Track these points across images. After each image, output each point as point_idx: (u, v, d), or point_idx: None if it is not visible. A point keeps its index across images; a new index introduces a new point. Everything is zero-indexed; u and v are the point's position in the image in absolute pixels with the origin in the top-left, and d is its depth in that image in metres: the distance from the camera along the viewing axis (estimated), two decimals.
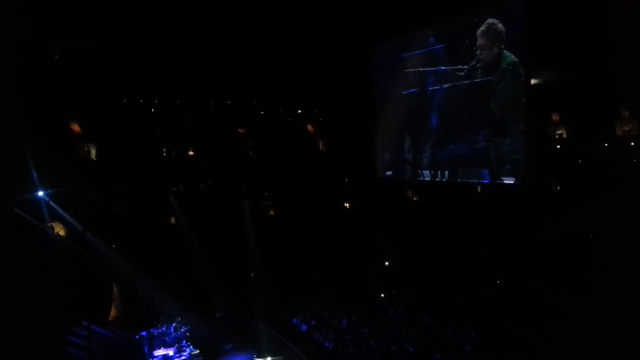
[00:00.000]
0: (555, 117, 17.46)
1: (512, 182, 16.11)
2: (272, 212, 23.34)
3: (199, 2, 17.12)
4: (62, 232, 18.08)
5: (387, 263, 22.06)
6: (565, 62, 15.87)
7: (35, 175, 16.25)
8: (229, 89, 22.16)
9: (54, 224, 17.79)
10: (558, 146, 17.58)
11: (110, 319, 18.37)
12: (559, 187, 17.39)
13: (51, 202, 17.10)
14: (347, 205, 23.99)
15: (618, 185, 15.03)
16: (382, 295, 20.17)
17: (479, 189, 18.65)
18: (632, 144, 16.05)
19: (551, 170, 17.11)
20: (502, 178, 16.38)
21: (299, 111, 24.57)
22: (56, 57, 18.13)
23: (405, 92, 20.36)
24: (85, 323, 15.54)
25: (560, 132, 17.55)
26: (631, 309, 13.28)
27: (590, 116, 16.05)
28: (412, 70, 19.88)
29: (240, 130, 23.31)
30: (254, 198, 22.60)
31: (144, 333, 16.69)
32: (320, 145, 24.54)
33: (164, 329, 16.94)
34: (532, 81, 15.94)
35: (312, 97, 23.46)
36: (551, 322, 14.79)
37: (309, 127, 24.52)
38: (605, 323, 13.58)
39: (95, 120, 18.83)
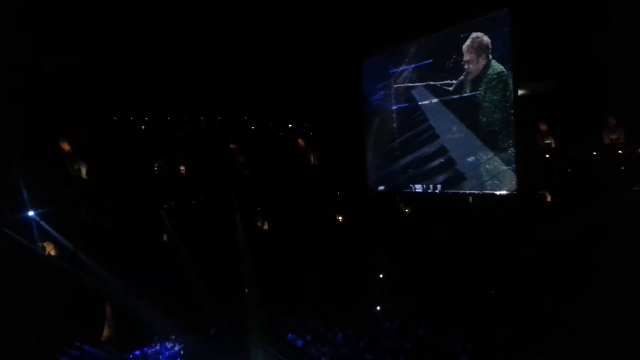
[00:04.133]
0: (544, 127, 17.66)
1: (503, 192, 16.28)
2: (265, 227, 23.28)
3: (187, 18, 17.25)
4: (53, 252, 17.89)
5: (381, 275, 22.03)
6: (552, 72, 16.09)
7: (25, 194, 16.13)
8: (219, 105, 22.23)
9: (44, 244, 17.62)
10: (547, 156, 17.76)
11: (103, 338, 18.13)
12: (549, 197, 17.54)
13: (42, 222, 16.95)
14: (340, 218, 24.00)
15: (607, 193, 15.24)
16: (377, 308, 20.10)
17: (470, 200, 18.77)
18: (620, 152, 16.24)
19: (541, 180, 17.27)
20: (494, 189, 16.55)
21: (290, 125, 24.66)
22: (45, 74, 18.08)
23: (395, 107, 20.56)
24: (78, 343, 15.30)
25: (548, 141, 17.75)
26: (625, 314, 13.38)
27: (578, 125, 16.25)
28: (401, 85, 20.11)
29: (231, 145, 23.32)
30: (246, 213, 22.54)
31: (137, 352, 16.49)
32: (312, 159, 24.59)
33: (157, 347, 16.76)
34: (520, 92, 16.17)
35: (302, 111, 23.58)
36: (546, 331, 14.84)
37: (300, 141, 24.58)
38: (602, 330, 13.68)
39: (86, 138, 18.74)
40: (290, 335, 17.86)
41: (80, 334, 15.85)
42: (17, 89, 15.99)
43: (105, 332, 18.34)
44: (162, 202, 20.77)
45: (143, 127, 21.66)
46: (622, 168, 16.14)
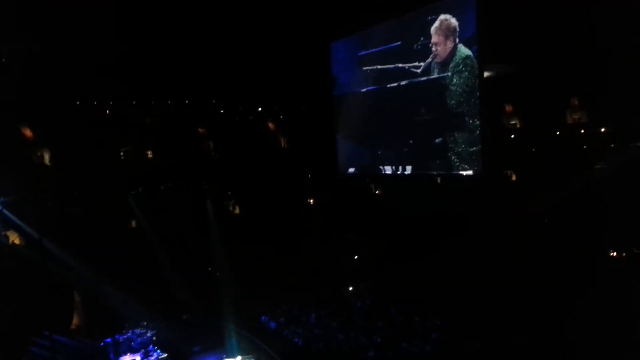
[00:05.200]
0: (509, 108, 18.03)
1: (470, 173, 16.60)
2: (236, 211, 23.18)
3: (154, 1, 16.85)
4: (17, 241, 17.46)
5: (353, 257, 22.28)
6: (516, 54, 16.37)
7: None
8: (187, 89, 21.85)
9: (8, 233, 17.17)
10: (512, 136, 18.17)
11: (72, 327, 17.87)
12: (514, 177, 17.99)
13: (4, 211, 16.49)
14: (311, 201, 24.09)
15: (570, 172, 15.73)
16: (350, 288, 20.39)
17: (438, 181, 19.10)
18: (582, 131, 16.72)
19: (507, 161, 17.68)
20: (461, 170, 16.86)
21: (260, 109, 24.48)
22: (3, 60, 17.44)
23: (364, 90, 20.60)
24: (47, 333, 15.06)
25: (514, 122, 18.14)
26: (587, 287, 13.94)
27: (541, 106, 16.64)
28: (370, 68, 20.13)
29: (200, 129, 23.01)
30: (217, 197, 22.37)
31: (109, 340, 16.33)
32: (282, 143, 24.53)
33: (129, 334, 16.62)
34: (485, 74, 16.41)
35: (272, 95, 23.42)
36: (513, 306, 15.33)
37: (270, 124, 24.45)
38: (562, 305, 14.23)
39: (48, 124, 18.22)
40: (263, 317, 17.97)
41: (50, 324, 15.60)
42: None
43: (75, 320, 18.08)
44: (129, 188, 20.40)
45: (107, 111, 21.14)
46: (584, 147, 16.65)
